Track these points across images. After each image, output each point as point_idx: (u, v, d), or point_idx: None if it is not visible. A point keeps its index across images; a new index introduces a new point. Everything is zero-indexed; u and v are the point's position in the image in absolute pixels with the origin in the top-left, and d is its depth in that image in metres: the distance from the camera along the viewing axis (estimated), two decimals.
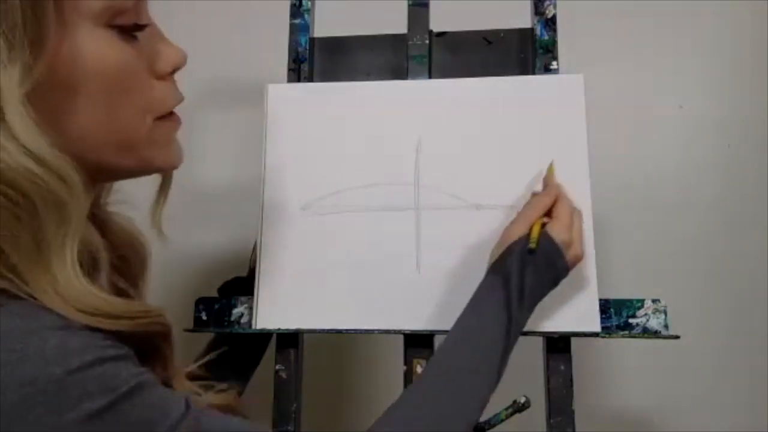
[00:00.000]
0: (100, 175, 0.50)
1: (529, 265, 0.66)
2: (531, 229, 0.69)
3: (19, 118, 0.40)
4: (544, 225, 0.70)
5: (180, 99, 0.53)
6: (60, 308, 0.43)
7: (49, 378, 0.40)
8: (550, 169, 0.77)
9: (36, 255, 0.43)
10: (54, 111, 0.44)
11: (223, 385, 0.63)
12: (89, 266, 0.47)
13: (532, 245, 0.67)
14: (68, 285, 0.44)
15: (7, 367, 0.40)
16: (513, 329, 0.64)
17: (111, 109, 0.47)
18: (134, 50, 0.48)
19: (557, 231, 0.69)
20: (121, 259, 0.58)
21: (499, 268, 0.68)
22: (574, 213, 0.72)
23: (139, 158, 0.50)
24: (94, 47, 0.45)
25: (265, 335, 0.83)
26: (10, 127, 0.40)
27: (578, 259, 0.71)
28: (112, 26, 0.46)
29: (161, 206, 0.59)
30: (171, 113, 0.53)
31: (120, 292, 0.57)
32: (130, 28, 0.47)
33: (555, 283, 0.69)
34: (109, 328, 0.45)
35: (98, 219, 0.55)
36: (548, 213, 0.72)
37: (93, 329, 0.44)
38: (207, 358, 0.70)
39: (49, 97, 0.43)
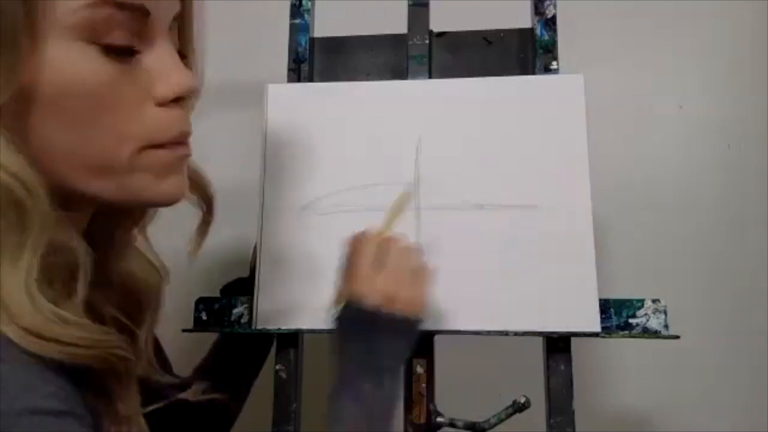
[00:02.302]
0: (83, 200, 0.46)
1: (351, 341, 0.61)
2: (337, 297, 0.64)
3: None
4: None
5: (181, 130, 0.48)
6: (5, 327, 0.39)
7: None
8: (399, 204, 0.72)
9: None
10: (23, 126, 0.41)
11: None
12: (66, 285, 0.43)
13: (332, 317, 0.62)
14: (13, 298, 0.39)
15: None
16: (367, 405, 0.60)
17: (85, 131, 0.43)
18: (124, 69, 0.44)
19: (377, 287, 0.61)
20: (126, 298, 0.55)
21: (331, 342, 0.63)
22: (401, 257, 0.65)
23: (120, 187, 0.45)
24: (68, 63, 0.41)
25: (268, 338, 0.82)
26: None
27: (414, 305, 0.63)
28: (99, 44, 0.42)
29: (198, 243, 0.57)
30: (176, 143, 0.48)
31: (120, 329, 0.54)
32: (119, 48, 0.43)
33: (397, 339, 0.62)
34: (59, 357, 0.39)
35: (106, 252, 0.52)
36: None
37: (43, 360, 0.39)
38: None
39: (19, 111, 0.40)
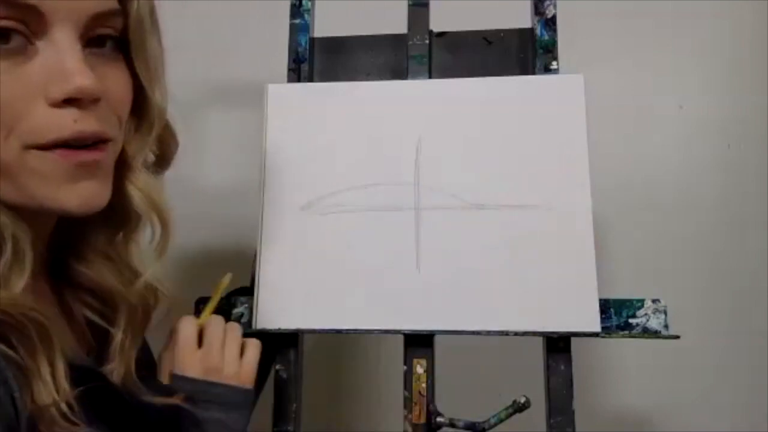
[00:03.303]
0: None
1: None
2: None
3: None
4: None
5: (76, 133, 0.45)
6: None
7: None
8: (219, 287, 0.74)
9: None
10: None
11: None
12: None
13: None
14: None
15: None
16: None
17: None
18: (18, 64, 0.42)
19: (198, 361, 0.64)
20: (99, 300, 0.55)
21: None
22: (226, 333, 0.68)
23: (17, 189, 0.44)
24: None
25: (273, 343, 0.82)
26: None
27: (241, 376, 0.66)
28: None
29: (156, 261, 0.55)
30: (82, 148, 0.45)
31: (91, 325, 0.55)
32: (4, 36, 0.41)
33: (225, 407, 0.63)
34: None
35: (76, 257, 0.53)
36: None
37: None
38: None
39: None
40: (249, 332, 0.79)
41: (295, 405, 0.78)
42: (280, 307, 0.79)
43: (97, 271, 0.55)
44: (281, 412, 0.78)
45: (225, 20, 1.22)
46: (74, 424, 0.43)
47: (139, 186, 0.52)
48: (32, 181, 0.44)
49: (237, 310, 0.82)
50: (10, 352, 0.42)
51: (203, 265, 1.15)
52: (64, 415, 0.43)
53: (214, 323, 0.69)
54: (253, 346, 0.70)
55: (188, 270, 1.14)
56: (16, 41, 0.42)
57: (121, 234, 0.55)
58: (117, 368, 0.53)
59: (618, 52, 1.15)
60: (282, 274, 0.80)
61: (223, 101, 1.21)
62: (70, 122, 0.44)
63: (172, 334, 0.68)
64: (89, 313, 0.55)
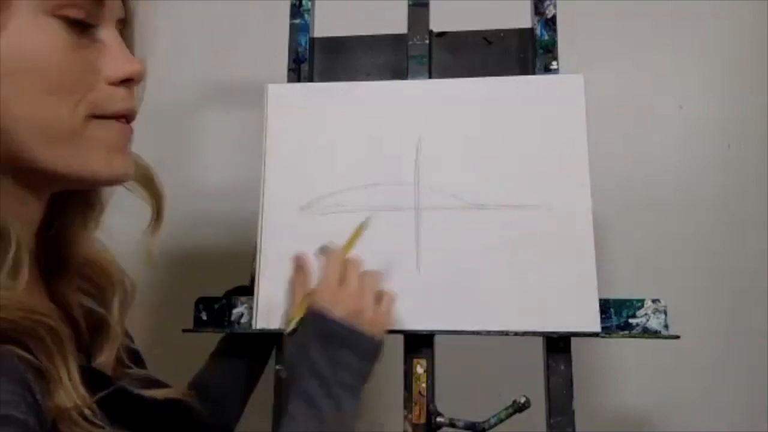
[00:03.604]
0: (37, 175, 0.48)
1: (310, 348, 0.61)
2: (293, 309, 0.65)
3: None
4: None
5: (129, 108, 0.51)
6: None
7: None
8: (359, 229, 0.74)
9: None
10: None
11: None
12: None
13: (289, 328, 0.63)
14: None
15: None
16: (329, 414, 0.60)
17: (42, 98, 0.45)
18: (85, 46, 0.48)
19: (321, 296, 0.64)
20: (91, 283, 0.57)
21: (287, 364, 0.64)
22: (347, 264, 0.68)
23: (72, 158, 0.48)
24: (34, 33, 0.45)
25: (268, 339, 0.82)
26: None
27: (358, 311, 0.65)
28: (59, 16, 0.46)
29: (152, 245, 0.57)
30: (122, 119, 0.51)
31: (87, 313, 0.55)
32: (79, 23, 0.47)
33: (352, 348, 0.63)
34: None
35: (64, 240, 0.54)
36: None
37: None
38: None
39: None
40: (249, 332, 0.80)
41: None
42: (280, 307, 0.79)
43: (88, 247, 0.56)
44: (281, 412, 0.78)
45: (225, 20, 1.23)
46: (98, 426, 0.45)
47: None
48: (91, 149, 0.49)
49: (237, 310, 0.82)
50: (30, 357, 0.43)
51: (203, 265, 1.15)
52: (85, 418, 0.44)
53: (360, 265, 0.69)
54: (390, 297, 0.69)
55: (188, 270, 1.14)
56: (84, 28, 0.48)
57: (93, 215, 0.57)
58: (107, 358, 0.53)
59: (618, 52, 1.15)
60: (282, 274, 0.80)
61: (223, 101, 1.21)
62: (122, 99, 0.50)
63: (297, 262, 0.68)
64: (85, 300, 0.56)
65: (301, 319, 0.65)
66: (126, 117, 0.51)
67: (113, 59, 0.49)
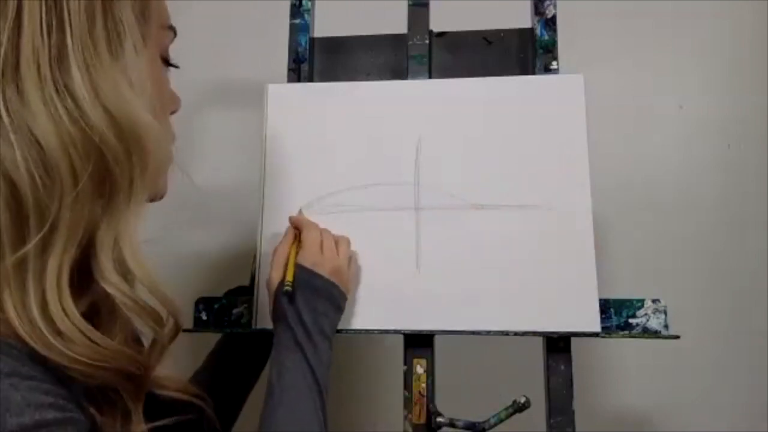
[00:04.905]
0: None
1: (297, 299, 0.68)
2: (285, 270, 0.71)
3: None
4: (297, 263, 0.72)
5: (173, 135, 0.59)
6: (22, 329, 0.41)
7: None
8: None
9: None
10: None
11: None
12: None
13: (288, 287, 0.69)
14: (50, 297, 0.42)
15: None
16: (312, 357, 0.66)
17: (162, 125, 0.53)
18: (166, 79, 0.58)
19: (307, 257, 0.72)
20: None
21: (275, 315, 0.70)
22: (323, 232, 0.75)
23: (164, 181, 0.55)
24: (153, 68, 0.54)
25: (268, 339, 0.82)
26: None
27: (338, 270, 0.72)
28: (161, 57, 0.56)
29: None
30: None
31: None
32: (167, 63, 0.58)
33: (331, 300, 0.71)
34: (71, 368, 0.43)
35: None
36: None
37: (46, 366, 0.42)
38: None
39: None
40: (249, 332, 0.80)
41: None
42: None
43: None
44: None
45: (225, 20, 1.23)
46: None
47: None
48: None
49: (237, 310, 0.82)
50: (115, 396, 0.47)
51: (203, 265, 1.15)
52: None
53: (330, 233, 0.76)
54: (355, 259, 0.79)
55: (188, 270, 1.14)
56: (169, 60, 0.58)
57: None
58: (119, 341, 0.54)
59: (618, 52, 1.15)
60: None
61: (223, 101, 1.21)
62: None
63: (288, 234, 0.76)
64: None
65: (299, 274, 0.70)
66: None
67: (172, 92, 0.59)
